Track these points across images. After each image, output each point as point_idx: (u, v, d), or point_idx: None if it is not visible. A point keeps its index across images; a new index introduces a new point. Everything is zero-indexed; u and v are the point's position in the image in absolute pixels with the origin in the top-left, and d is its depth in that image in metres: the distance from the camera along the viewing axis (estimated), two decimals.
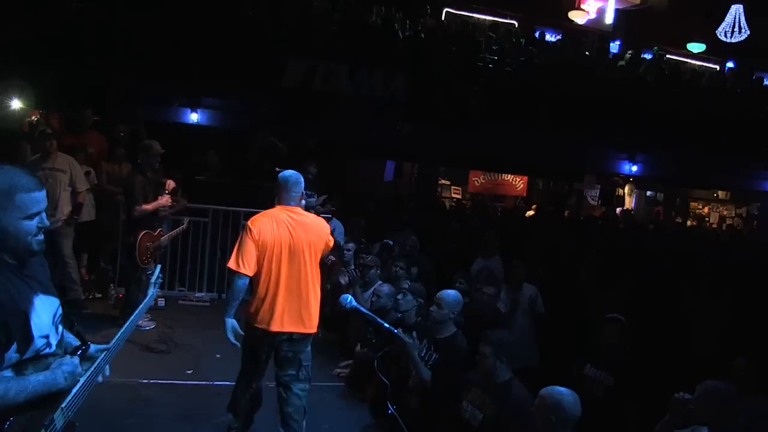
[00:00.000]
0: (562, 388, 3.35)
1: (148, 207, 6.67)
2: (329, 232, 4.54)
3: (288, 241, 4.20)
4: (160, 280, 3.10)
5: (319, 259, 4.38)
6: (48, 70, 9.11)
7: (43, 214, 2.24)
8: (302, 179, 4.40)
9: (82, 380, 2.31)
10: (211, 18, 10.20)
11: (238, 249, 4.16)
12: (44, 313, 2.26)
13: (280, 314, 4.16)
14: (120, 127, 9.31)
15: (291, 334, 4.19)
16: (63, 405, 2.22)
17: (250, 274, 4.13)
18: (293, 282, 4.19)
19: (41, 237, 2.24)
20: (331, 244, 4.55)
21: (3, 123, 8.54)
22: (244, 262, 4.11)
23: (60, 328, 2.36)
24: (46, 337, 2.25)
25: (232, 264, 4.14)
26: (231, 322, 4.19)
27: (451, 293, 4.82)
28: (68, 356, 2.34)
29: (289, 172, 4.38)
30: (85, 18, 9.57)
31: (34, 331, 2.18)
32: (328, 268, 7.90)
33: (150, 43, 9.68)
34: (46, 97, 9.46)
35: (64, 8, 9.51)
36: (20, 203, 2.15)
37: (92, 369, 2.37)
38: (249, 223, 4.27)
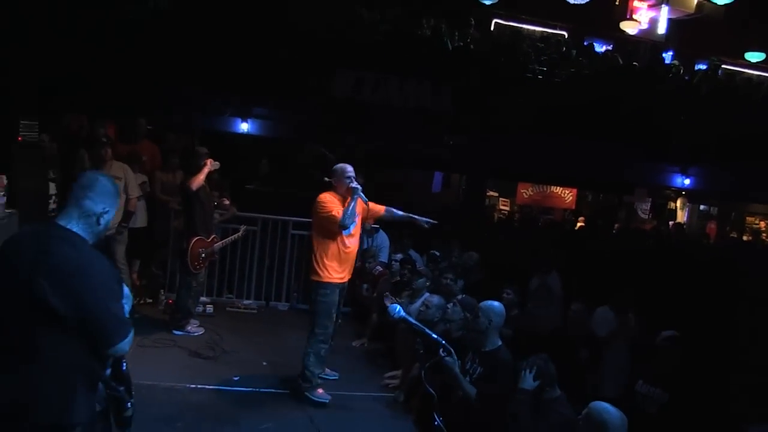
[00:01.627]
0: (611, 408, 3.27)
1: (200, 177, 6.73)
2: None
3: None
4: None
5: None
6: (103, 78, 9.37)
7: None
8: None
9: None
10: (261, 29, 10.35)
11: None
12: None
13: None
14: (171, 136, 9.50)
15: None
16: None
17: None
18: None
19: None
20: None
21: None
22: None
23: None
24: None
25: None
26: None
27: (492, 304, 4.78)
28: None
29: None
30: (141, 28, 9.81)
31: None
32: (376, 277, 7.92)
33: (202, 54, 9.87)
34: (102, 105, 9.72)
35: (121, 17, 9.76)
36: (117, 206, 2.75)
37: None
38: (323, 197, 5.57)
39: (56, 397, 2.43)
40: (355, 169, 5.61)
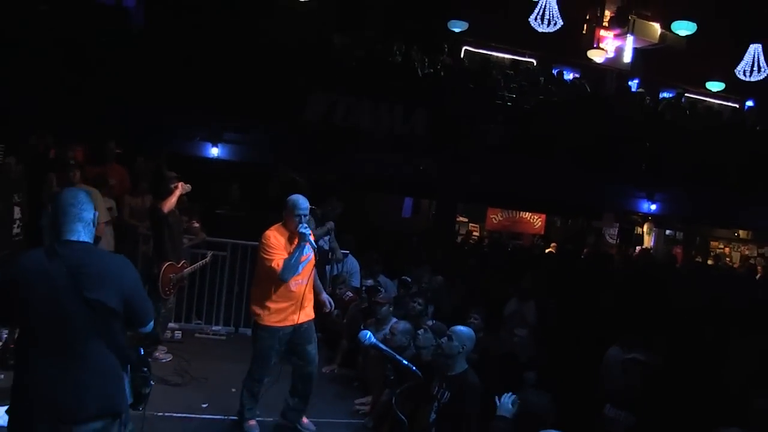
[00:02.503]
0: None
1: (171, 199, 6.64)
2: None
3: None
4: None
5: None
6: (72, 101, 9.30)
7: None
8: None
9: None
10: (232, 53, 10.39)
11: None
12: None
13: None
14: (140, 159, 9.44)
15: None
16: None
17: None
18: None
19: None
20: None
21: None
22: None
23: None
24: None
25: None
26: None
27: (464, 330, 4.76)
28: None
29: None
30: (112, 50, 9.79)
31: None
32: (346, 303, 7.89)
33: (172, 78, 9.87)
34: (70, 129, 9.64)
35: (92, 40, 9.74)
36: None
37: None
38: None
39: (109, 388, 2.92)
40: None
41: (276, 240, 4.97)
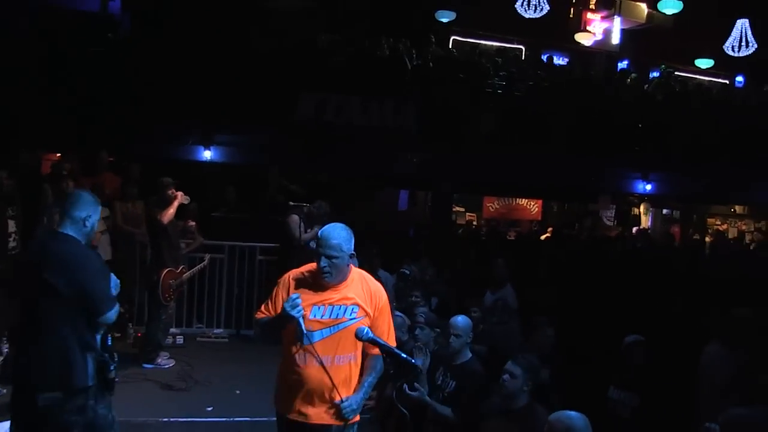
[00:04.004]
0: (571, 412, 3.24)
1: (170, 210, 6.65)
2: None
3: None
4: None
5: None
6: (61, 112, 9.28)
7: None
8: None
9: None
10: (220, 56, 10.37)
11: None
12: None
13: None
14: (134, 166, 9.42)
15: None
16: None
17: None
18: None
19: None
20: None
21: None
22: None
23: None
24: None
25: None
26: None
27: (462, 320, 4.73)
28: None
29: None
30: (97, 60, 9.76)
31: None
32: None
33: (161, 83, 9.85)
34: (63, 139, 9.63)
35: (77, 52, 9.71)
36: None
37: None
38: None
39: (59, 364, 3.30)
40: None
41: (289, 282, 3.41)
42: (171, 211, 6.66)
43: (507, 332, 6.65)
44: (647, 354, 4.90)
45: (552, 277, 8.66)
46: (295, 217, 7.72)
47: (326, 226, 3.35)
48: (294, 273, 3.42)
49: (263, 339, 3.60)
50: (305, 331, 3.16)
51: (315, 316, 3.25)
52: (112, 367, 3.51)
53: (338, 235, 3.25)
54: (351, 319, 3.28)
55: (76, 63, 9.72)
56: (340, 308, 3.29)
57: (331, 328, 3.26)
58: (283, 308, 3.14)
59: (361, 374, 3.38)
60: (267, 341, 3.61)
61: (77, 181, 7.68)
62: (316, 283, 3.32)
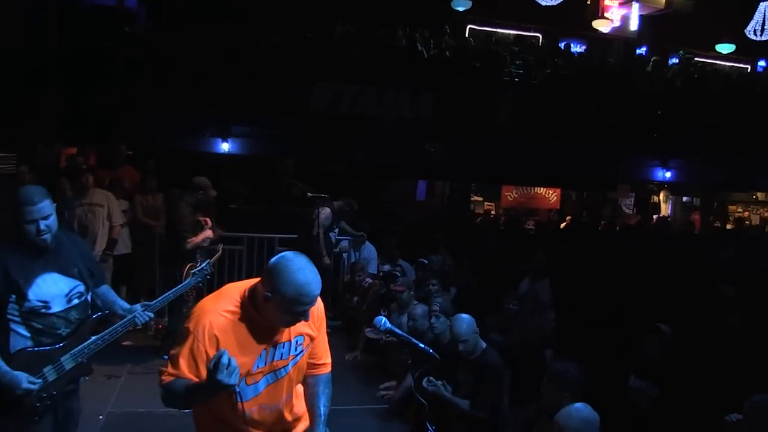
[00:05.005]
0: (579, 405, 3.21)
1: (197, 240, 6.71)
2: None
3: None
4: (205, 272, 4.25)
5: None
6: (80, 107, 9.35)
7: (46, 221, 3.13)
8: None
9: (93, 338, 3.31)
10: (237, 47, 10.39)
11: None
12: (49, 285, 3.20)
13: None
14: (148, 160, 9.49)
15: None
16: (73, 351, 3.23)
17: None
18: None
19: (45, 236, 3.14)
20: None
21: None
22: None
23: (74, 301, 3.31)
24: (45, 302, 3.17)
25: None
26: None
27: (461, 324, 4.71)
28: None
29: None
30: (115, 54, 9.82)
31: (30, 294, 3.12)
32: (365, 290, 7.92)
33: (179, 76, 9.89)
34: (81, 134, 9.70)
35: (95, 46, 9.77)
36: (22, 213, 3.09)
37: (102, 333, 3.35)
38: None
39: None
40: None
41: (211, 331, 2.45)
42: (198, 240, 6.69)
43: (539, 327, 6.64)
44: (668, 343, 4.86)
45: (572, 265, 8.59)
46: (328, 211, 7.78)
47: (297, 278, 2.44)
48: (215, 317, 2.47)
49: (178, 407, 2.73)
50: (240, 393, 2.44)
51: (258, 366, 2.54)
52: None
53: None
54: (297, 355, 2.66)
55: (93, 57, 9.76)
56: (283, 347, 2.59)
57: (277, 373, 2.61)
58: (214, 378, 2.20)
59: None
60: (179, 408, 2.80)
61: (96, 175, 7.74)
62: (252, 324, 2.50)
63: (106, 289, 3.69)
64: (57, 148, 9.26)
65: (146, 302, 3.78)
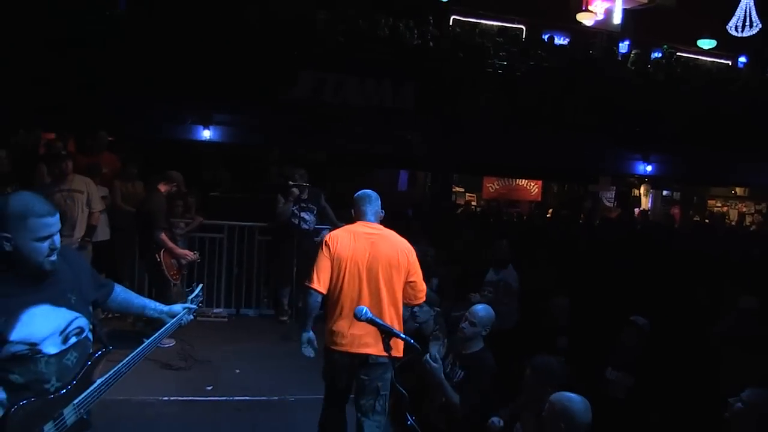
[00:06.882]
0: (572, 395, 3.25)
1: (171, 247, 6.74)
2: (413, 251, 4.25)
3: (366, 257, 4.02)
4: (199, 298, 3.22)
5: (402, 278, 4.12)
6: (59, 92, 9.22)
7: (56, 237, 2.45)
8: (377, 197, 4.33)
9: (98, 382, 2.58)
10: (219, 35, 10.30)
11: (314, 264, 4.04)
12: (39, 322, 2.43)
13: (357, 334, 3.90)
14: (129, 146, 9.41)
15: (367, 356, 3.92)
16: (75, 402, 2.48)
17: (323, 291, 4.00)
18: (373, 300, 3.93)
19: (53, 257, 2.44)
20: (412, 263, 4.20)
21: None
22: (317, 278, 3.99)
23: (72, 340, 2.55)
24: (33, 344, 2.40)
25: (307, 280, 4.04)
26: (307, 335, 4.11)
27: (483, 309, 4.61)
28: None
29: (366, 191, 4.35)
30: (94, 38, 9.69)
31: (11, 336, 2.34)
32: None
33: (160, 62, 9.79)
34: (61, 119, 9.58)
35: (74, 30, 9.63)
36: (32, 227, 2.37)
37: (110, 373, 2.64)
38: (326, 238, 4.15)
39: None
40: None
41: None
42: (169, 248, 6.73)
43: (508, 313, 6.65)
44: (643, 335, 4.90)
45: (552, 258, 8.64)
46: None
47: (367, 191, 4.36)
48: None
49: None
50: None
51: None
52: None
53: None
54: None
55: (73, 41, 9.63)
56: None
57: None
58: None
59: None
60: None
61: (75, 161, 7.64)
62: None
63: (121, 290, 2.98)
64: (37, 133, 9.11)
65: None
